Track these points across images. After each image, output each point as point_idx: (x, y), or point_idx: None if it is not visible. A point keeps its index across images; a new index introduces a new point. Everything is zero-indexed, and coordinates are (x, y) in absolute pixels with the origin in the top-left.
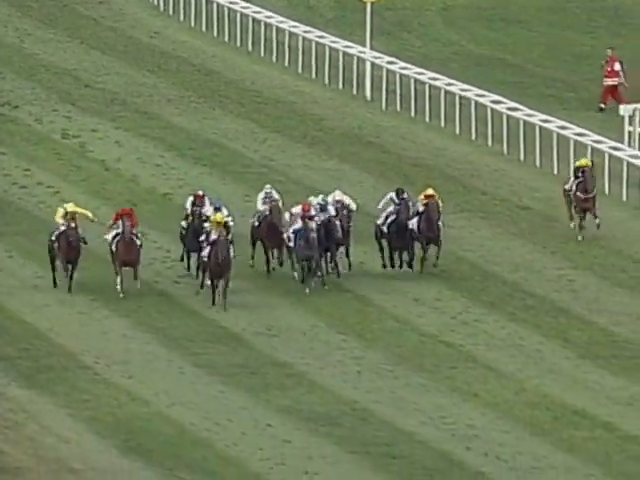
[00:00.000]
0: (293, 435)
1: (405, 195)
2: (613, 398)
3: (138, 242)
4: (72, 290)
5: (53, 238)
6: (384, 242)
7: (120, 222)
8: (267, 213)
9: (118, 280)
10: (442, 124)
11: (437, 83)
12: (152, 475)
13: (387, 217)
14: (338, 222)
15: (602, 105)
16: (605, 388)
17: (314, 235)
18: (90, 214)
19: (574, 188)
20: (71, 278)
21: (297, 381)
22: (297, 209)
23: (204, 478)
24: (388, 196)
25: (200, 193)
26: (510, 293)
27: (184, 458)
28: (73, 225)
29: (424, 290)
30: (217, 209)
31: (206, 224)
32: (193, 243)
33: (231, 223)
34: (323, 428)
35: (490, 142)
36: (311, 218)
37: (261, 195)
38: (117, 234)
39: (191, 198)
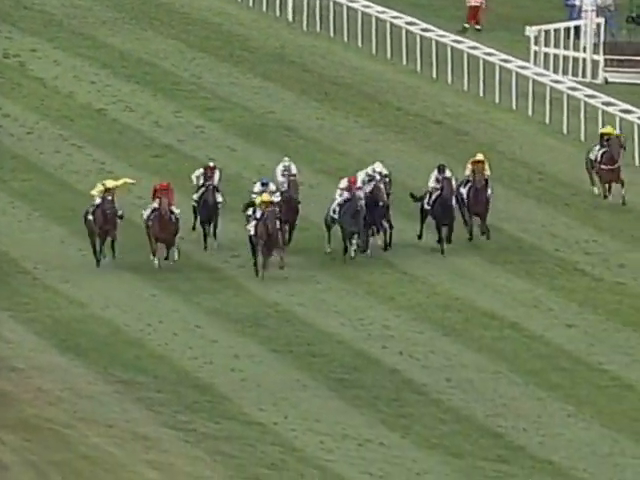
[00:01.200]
0: (221, 335)
1: (447, 173)
2: (520, 300)
3: (174, 219)
4: (115, 257)
5: (89, 212)
6: (429, 218)
7: (157, 199)
8: (285, 188)
9: (155, 258)
10: (359, 44)
11: (355, 5)
12: (88, 372)
13: (431, 194)
14: (382, 185)
15: (466, 25)
16: (512, 291)
17: (362, 209)
18: (128, 180)
19: (599, 158)
20: (113, 250)
21: (225, 285)
22: (344, 183)
23: (137, 375)
24: (433, 175)
25: (211, 165)
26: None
27: (118, 357)
28: (110, 198)
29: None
30: (264, 184)
31: (219, 197)
32: (205, 214)
33: (276, 199)
34: (249, 329)
35: (405, 61)
36: (358, 189)
37: (279, 167)
38: (154, 209)
39: (201, 170)
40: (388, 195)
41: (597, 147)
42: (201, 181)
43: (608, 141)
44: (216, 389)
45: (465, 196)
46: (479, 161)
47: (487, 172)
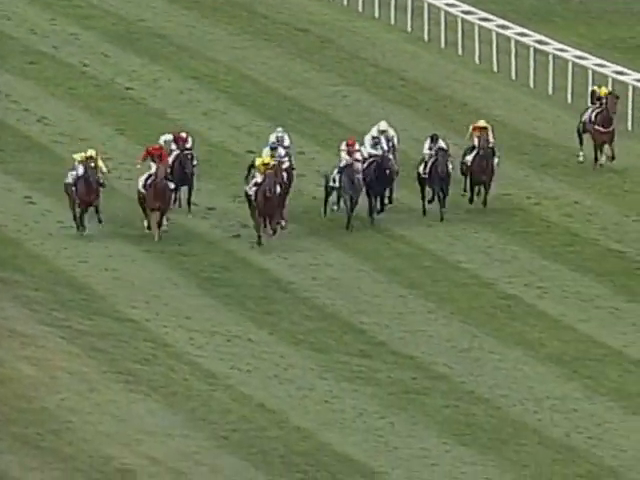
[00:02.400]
0: (95, 235)
1: (441, 142)
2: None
3: (171, 186)
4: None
5: (70, 181)
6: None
7: (151, 163)
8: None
9: (146, 224)
10: None
11: None
12: None
13: (426, 163)
14: (391, 155)
15: None
16: None
17: (359, 176)
18: (104, 168)
19: (592, 119)
20: (99, 221)
21: None
22: (343, 145)
23: (14, 274)
24: (426, 145)
25: (183, 135)
26: (290, 108)
27: None
28: (92, 165)
29: None
30: (273, 149)
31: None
32: (179, 176)
33: (286, 163)
34: (121, 229)
35: None
36: (357, 151)
37: (272, 138)
38: (149, 177)
39: (170, 136)
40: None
41: (590, 109)
42: (172, 146)
43: (601, 101)
44: (91, 287)
45: (470, 164)
46: (483, 127)
47: (491, 139)
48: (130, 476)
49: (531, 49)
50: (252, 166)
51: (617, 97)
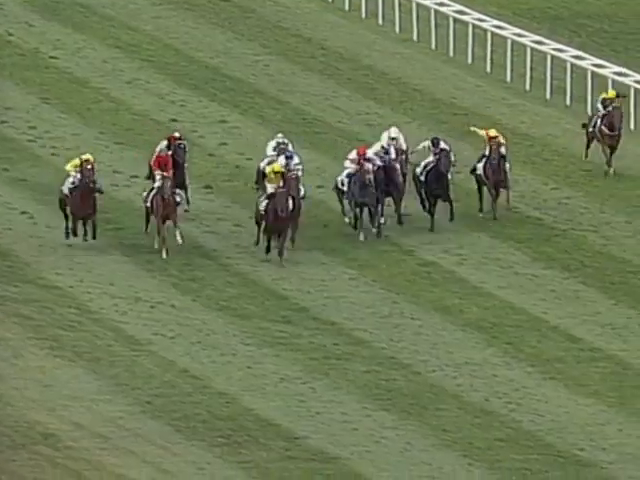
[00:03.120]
0: (20, 203)
1: (442, 145)
2: (307, 170)
3: (177, 199)
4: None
5: (66, 192)
6: (422, 191)
7: (158, 176)
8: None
9: (156, 240)
10: None
11: None
12: None
13: (425, 166)
14: (398, 166)
15: None
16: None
17: (370, 178)
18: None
19: (599, 123)
20: (93, 231)
21: (23, 157)
22: (353, 154)
23: None
24: (421, 145)
25: (176, 135)
26: (212, 77)
27: None
28: (89, 167)
29: None
30: (288, 157)
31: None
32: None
33: (300, 173)
34: (46, 197)
35: None
36: (367, 160)
37: (272, 143)
38: (152, 189)
39: (164, 142)
40: (404, 176)
41: (598, 113)
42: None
43: (609, 105)
44: (15, 254)
45: (482, 171)
46: (494, 136)
47: (503, 149)
48: (54, 441)
49: (450, 19)
50: (263, 174)
51: (624, 95)
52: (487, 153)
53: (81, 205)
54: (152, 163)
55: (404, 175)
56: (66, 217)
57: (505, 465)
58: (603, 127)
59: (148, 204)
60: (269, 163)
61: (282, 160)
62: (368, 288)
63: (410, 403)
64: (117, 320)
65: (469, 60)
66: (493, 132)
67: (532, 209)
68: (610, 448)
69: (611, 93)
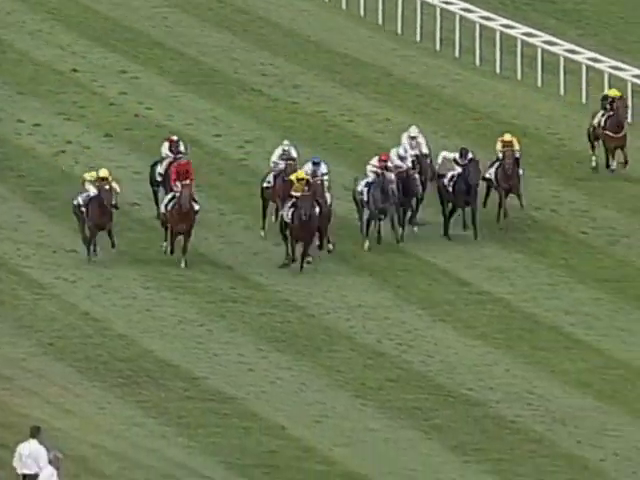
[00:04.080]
0: None
1: (470, 155)
2: (202, 119)
3: (196, 207)
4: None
5: (81, 202)
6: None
7: (179, 185)
8: (282, 169)
9: (169, 247)
10: None
11: None
12: None
13: (452, 177)
14: (417, 175)
15: None
16: (196, 110)
17: (393, 188)
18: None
19: (602, 123)
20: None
21: None
22: (374, 160)
23: None
24: (442, 155)
25: (174, 138)
26: (112, 28)
27: None
28: (107, 187)
29: None
30: (315, 163)
31: None
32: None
33: (325, 178)
34: None
35: None
36: (388, 169)
37: (278, 151)
38: (173, 198)
39: (167, 143)
40: (426, 180)
41: (600, 112)
42: (167, 152)
43: (613, 104)
44: None
45: (493, 176)
46: (508, 141)
47: (517, 153)
48: None
49: None
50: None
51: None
52: (500, 157)
53: (98, 217)
54: (171, 172)
55: (426, 181)
56: (82, 229)
57: (396, 405)
58: (606, 130)
59: (162, 210)
60: (276, 165)
61: (308, 167)
62: (264, 234)
63: (304, 345)
64: (20, 265)
65: (362, 13)
66: (508, 137)
67: None
68: (497, 387)
69: (613, 92)
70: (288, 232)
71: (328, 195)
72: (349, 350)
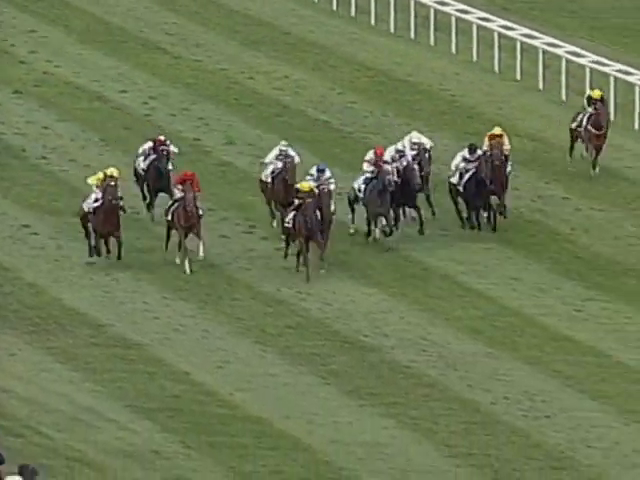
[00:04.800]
0: None
1: (480, 151)
2: (108, 75)
3: (200, 212)
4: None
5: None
6: (460, 201)
7: (183, 188)
8: (280, 169)
9: (178, 255)
10: None
11: None
12: None
13: (462, 175)
14: (417, 166)
15: None
16: (102, 67)
17: (390, 180)
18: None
19: (585, 122)
20: (119, 250)
21: None
22: (370, 154)
23: None
24: (459, 155)
25: (162, 138)
26: None
27: None
28: (113, 183)
29: None
30: (320, 170)
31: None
32: (157, 182)
33: (332, 187)
34: None
35: None
36: (385, 163)
37: (274, 151)
38: (175, 201)
39: (150, 143)
40: (427, 175)
41: (582, 114)
42: (149, 151)
43: (596, 104)
44: None
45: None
46: (497, 135)
47: (507, 147)
48: None
49: None
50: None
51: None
52: (488, 153)
53: (104, 223)
54: (175, 180)
55: (428, 174)
56: (88, 235)
57: (295, 351)
58: (590, 127)
59: (169, 217)
60: (272, 171)
61: (314, 172)
62: None
63: (207, 293)
64: None
65: None
66: (498, 130)
67: (320, 113)
68: (392, 334)
69: (597, 93)
70: (292, 237)
71: (332, 203)
72: (250, 298)
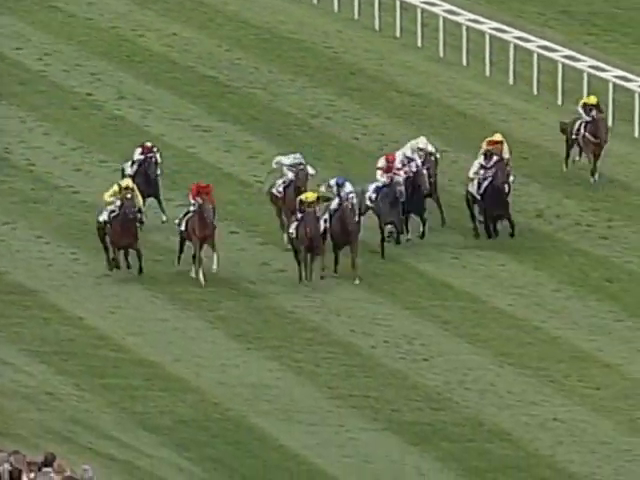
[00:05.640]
0: None
1: (496, 157)
2: (3, 33)
3: (215, 224)
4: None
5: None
6: (477, 209)
7: (198, 200)
8: (291, 179)
9: (193, 267)
10: None
11: None
12: None
13: (480, 183)
14: (425, 171)
15: None
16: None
17: (401, 190)
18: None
19: (582, 130)
20: (139, 263)
21: None
22: (381, 162)
23: None
24: (477, 163)
25: (149, 144)
26: None
27: None
28: (129, 196)
29: None
30: (340, 185)
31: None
32: (147, 188)
33: (351, 197)
34: None
35: None
36: (398, 170)
37: (287, 161)
38: (188, 212)
39: (139, 149)
40: (434, 178)
41: (579, 119)
42: (138, 157)
43: (591, 112)
44: None
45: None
46: (497, 142)
47: (506, 155)
48: None
49: None
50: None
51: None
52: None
53: (121, 235)
54: (190, 192)
55: (435, 180)
56: (106, 248)
57: (184, 297)
58: (587, 134)
59: (182, 227)
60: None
61: (332, 181)
62: (60, 138)
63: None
64: None
65: None
66: (498, 137)
67: (208, 69)
68: (276, 280)
69: (592, 99)
70: (299, 246)
71: (356, 215)
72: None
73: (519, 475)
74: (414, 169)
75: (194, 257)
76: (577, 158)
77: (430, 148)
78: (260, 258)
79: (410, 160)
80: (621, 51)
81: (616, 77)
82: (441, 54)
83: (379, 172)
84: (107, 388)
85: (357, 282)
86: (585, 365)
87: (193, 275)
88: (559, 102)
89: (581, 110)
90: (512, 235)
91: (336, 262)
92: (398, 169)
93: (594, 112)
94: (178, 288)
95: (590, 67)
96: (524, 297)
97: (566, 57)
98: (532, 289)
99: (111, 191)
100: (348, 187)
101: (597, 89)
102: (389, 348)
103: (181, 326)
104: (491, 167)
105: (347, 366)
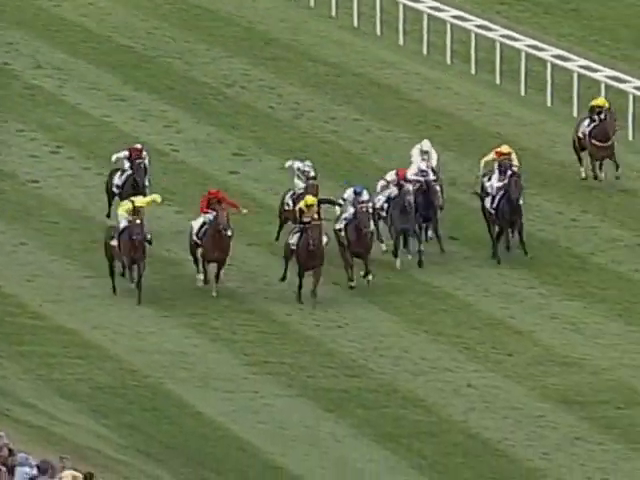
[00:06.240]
0: None
1: (510, 171)
2: None
3: (229, 233)
4: (141, 301)
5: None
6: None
7: (213, 209)
8: (302, 190)
9: (200, 277)
10: None
11: None
12: None
13: (494, 196)
14: (438, 187)
15: None
16: None
17: (411, 204)
18: (157, 198)
19: (588, 133)
20: (138, 286)
21: None
22: (391, 175)
23: None
24: (494, 178)
25: (138, 146)
26: None
27: None
28: (138, 222)
29: None
30: (357, 193)
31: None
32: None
33: (369, 205)
34: None
35: None
36: (408, 181)
37: (297, 165)
38: (204, 223)
39: (125, 152)
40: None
41: (586, 121)
42: (126, 164)
43: (600, 114)
44: None
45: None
46: (505, 153)
47: (515, 166)
48: None
49: None
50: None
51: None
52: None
53: (130, 249)
54: (201, 203)
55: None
56: (112, 270)
57: (103, 265)
58: (594, 137)
59: (195, 239)
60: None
61: (349, 193)
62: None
63: (17, 210)
64: None
65: None
66: (505, 148)
67: (125, 38)
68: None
69: (601, 100)
70: (295, 258)
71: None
72: (56, 215)
73: (433, 440)
74: (424, 182)
75: (204, 267)
76: (601, 176)
77: (433, 154)
78: (177, 226)
79: (424, 175)
80: (534, 20)
81: (528, 46)
82: (355, 24)
83: (382, 182)
84: (24, 355)
85: (370, 278)
86: (498, 332)
87: (199, 285)
88: (472, 71)
89: (588, 113)
90: (526, 253)
91: (351, 268)
92: (408, 181)
93: (602, 114)
94: (94, 256)
95: (502, 36)
96: (438, 265)
97: (479, 27)
98: (445, 257)
99: (125, 207)
100: (365, 195)
101: (509, 57)
102: (304, 315)
103: (98, 293)
104: (506, 179)
105: (263, 333)
